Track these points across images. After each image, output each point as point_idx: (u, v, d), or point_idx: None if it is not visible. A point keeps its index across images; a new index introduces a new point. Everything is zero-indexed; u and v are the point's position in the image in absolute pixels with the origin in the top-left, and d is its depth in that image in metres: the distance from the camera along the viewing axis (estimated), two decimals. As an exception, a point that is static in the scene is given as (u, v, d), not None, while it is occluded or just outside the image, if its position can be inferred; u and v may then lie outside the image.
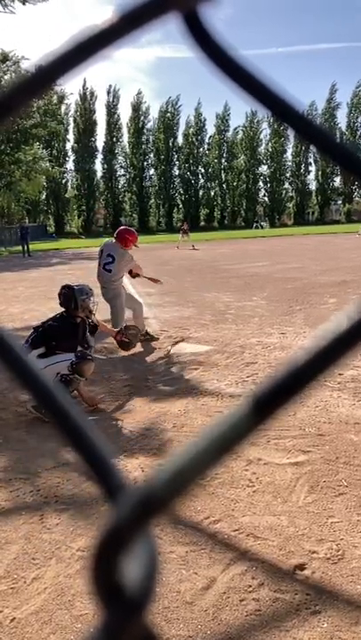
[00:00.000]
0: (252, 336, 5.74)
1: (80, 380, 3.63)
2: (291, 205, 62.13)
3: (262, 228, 50.00)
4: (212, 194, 62.38)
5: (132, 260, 5.50)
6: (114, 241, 5.46)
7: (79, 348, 3.76)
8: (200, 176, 62.32)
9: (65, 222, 57.99)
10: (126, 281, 5.58)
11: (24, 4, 11.02)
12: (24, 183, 32.27)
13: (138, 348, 5.49)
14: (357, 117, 59.14)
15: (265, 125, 59.42)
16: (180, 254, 20.67)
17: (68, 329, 3.80)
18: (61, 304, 3.94)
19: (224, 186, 61.70)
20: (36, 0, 11.02)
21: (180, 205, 61.39)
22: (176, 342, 5.64)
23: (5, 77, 25.70)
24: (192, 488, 0.20)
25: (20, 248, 25.68)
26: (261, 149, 61.05)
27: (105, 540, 0.20)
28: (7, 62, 26.40)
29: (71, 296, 3.88)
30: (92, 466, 0.22)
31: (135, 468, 2.80)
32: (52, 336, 3.73)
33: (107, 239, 5.71)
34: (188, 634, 1.69)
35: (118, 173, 61.09)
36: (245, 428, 0.19)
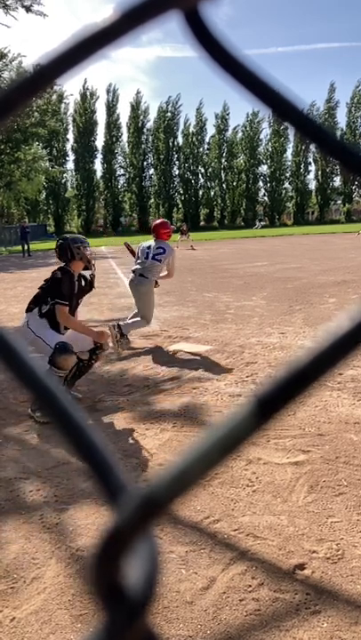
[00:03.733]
0: (251, 336, 5.74)
1: (60, 374, 3.50)
2: (291, 205, 62.15)
3: (258, 227, 49.99)
4: (212, 194, 62.37)
5: (174, 257, 5.72)
6: (155, 239, 5.68)
7: (65, 334, 3.70)
8: (200, 176, 62.32)
9: (65, 222, 58.02)
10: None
11: (27, 12, 11.47)
12: (24, 183, 32.28)
13: (138, 347, 5.50)
14: (358, 119, 59.17)
15: (265, 125, 59.48)
16: (180, 254, 20.65)
17: (64, 282, 3.71)
18: (58, 257, 3.87)
19: (224, 185, 61.69)
20: (39, 12, 11.62)
21: (180, 205, 61.39)
22: (176, 342, 5.64)
23: (4, 75, 25.70)
24: (194, 488, 0.20)
25: (19, 248, 25.71)
26: (261, 149, 61.06)
27: (106, 541, 0.20)
28: (3, 60, 26.39)
29: (66, 246, 3.80)
30: (93, 467, 0.22)
31: (135, 468, 2.80)
32: (50, 290, 3.69)
33: (147, 241, 5.83)
34: (188, 633, 1.69)
35: (118, 173, 61.09)
36: (248, 429, 0.19)
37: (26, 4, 11.31)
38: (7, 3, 11.21)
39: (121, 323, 5.40)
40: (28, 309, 3.75)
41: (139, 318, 5.59)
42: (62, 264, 3.84)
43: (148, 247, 5.65)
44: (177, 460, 0.20)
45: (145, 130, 60.62)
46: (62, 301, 3.65)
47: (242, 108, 67.21)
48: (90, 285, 3.97)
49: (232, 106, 60.89)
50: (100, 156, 59.87)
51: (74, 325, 3.73)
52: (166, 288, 10.24)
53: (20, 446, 3.18)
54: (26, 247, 24.93)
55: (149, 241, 5.75)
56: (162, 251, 5.58)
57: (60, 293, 3.67)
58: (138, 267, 5.60)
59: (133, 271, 5.65)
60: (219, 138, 60.68)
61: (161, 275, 5.69)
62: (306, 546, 2.08)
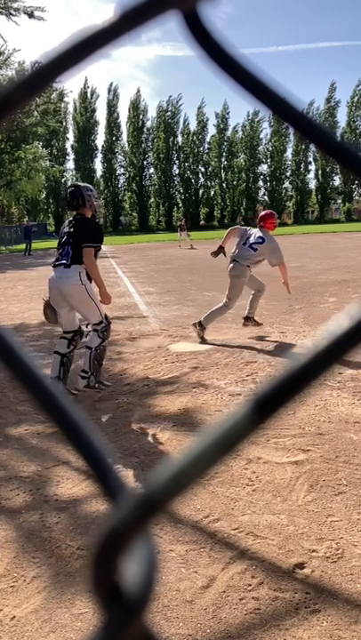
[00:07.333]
0: (251, 335, 5.74)
1: (105, 344, 3.92)
2: (291, 204, 62.13)
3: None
4: (212, 193, 62.34)
5: (279, 249, 5.63)
6: (261, 228, 5.69)
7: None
8: (200, 175, 62.29)
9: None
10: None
11: (30, 17, 11.75)
12: (24, 182, 32.32)
13: (138, 346, 5.50)
14: (358, 118, 59.12)
15: (265, 124, 59.48)
16: (180, 253, 20.66)
17: (90, 227, 3.78)
18: (69, 204, 3.91)
19: (224, 185, 61.66)
20: (41, 17, 11.97)
21: (180, 204, 61.37)
22: (176, 341, 5.64)
23: (1, 72, 25.68)
24: (192, 488, 0.20)
25: (20, 247, 25.76)
26: (261, 148, 61.03)
27: (105, 540, 0.20)
28: (1, 57, 26.36)
29: (77, 192, 3.86)
30: (92, 467, 0.22)
31: (135, 467, 2.80)
32: (79, 238, 3.72)
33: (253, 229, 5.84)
34: (188, 632, 1.69)
35: (118, 172, 61.08)
36: (247, 427, 0.19)
37: (28, 10, 11.63)
38: (11, 12, 11.44)
39: (201, 319, 5.60)
40: (72, 263, 3.74)
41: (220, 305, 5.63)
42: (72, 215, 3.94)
43: (250, 235, 5.67)
44: (176, 459, 0.20)
45: (145, 129, 60.60)
46: (93, 244, 3.72)
47: (242, 107, 67.27)
48: None
49: (232, 105, 60.92)
50: (100, 155, 59.89)
51: (97, 273, 3.77)
52: (167, 287, 10.25)
53: (21, 445, 3.18)
54: (28, 246, 24.95)
55: (255, 229, 5.74)
56: (261, 240, 5.56)
57: (92, 236, 3.74)
58: (233, 253, 5.64)
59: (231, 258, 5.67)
60: (219, 137, 60.65)
61: (274, 266, 5.69)
62: (306, 545, 2.08)
